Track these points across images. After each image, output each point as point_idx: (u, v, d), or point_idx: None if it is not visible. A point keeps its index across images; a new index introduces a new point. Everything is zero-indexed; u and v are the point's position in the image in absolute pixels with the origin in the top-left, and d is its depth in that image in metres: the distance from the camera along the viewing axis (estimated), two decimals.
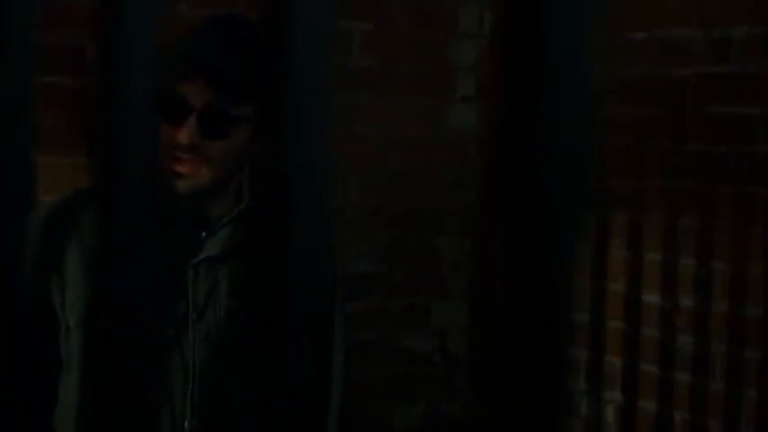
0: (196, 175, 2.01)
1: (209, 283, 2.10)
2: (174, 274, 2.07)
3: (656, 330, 3.72)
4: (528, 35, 0.49)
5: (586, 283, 3.90)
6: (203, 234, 2.10)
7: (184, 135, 1.97)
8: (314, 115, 0.54)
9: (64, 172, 3.26)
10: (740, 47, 3.48)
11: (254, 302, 0.56)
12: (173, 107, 1.98)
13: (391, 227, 4.13)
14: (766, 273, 3.37)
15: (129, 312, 0.69)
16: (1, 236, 0.62)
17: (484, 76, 4.25)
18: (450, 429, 4.27)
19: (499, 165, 0.52)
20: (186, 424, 2.07)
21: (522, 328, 0.62)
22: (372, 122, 4.05)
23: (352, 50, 4.01)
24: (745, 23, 3.46)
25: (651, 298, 3.74)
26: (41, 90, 3.39)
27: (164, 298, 2.03)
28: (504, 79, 0.51)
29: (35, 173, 0.68)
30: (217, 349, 2.10)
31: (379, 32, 4.06)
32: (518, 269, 0.60)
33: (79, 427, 2.01)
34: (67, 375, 2.06)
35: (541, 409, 0.63)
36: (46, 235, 2.05)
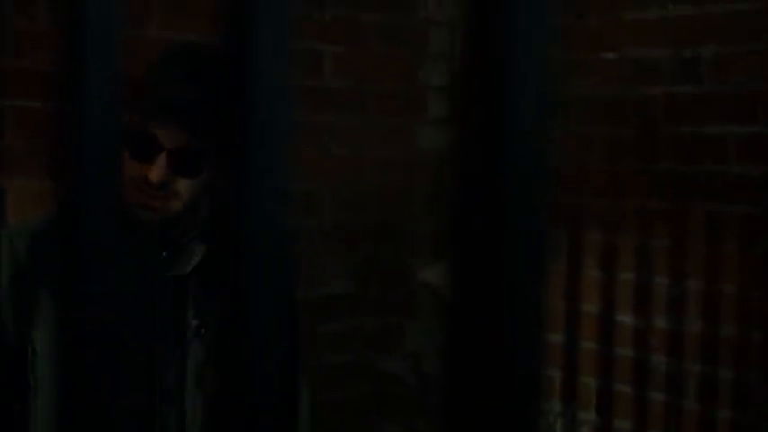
0: (165, 209, 2.00)
1: (173, 303, 2.09)
2: (136, 294, 2.06)
3: (630, 350, 3.72)
4: (486, 51, 0.49)
5: (560, 303, 3.90)
6: (164, 254, 2.09)
7: (155, 174, 1.96)
8: (276, 138, 0.53)
9: (34, 196, 3.25)
10: (710, 66, 3.50)
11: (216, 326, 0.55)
12: (143, 146, 1.97)
13: (364, 247, 4.13)
14: (739, 292, 3.38)
15: (95, 331, 0.68)
16: None
17: (455, 96, 4.26)
18: None
19: (462, 181, 0.52)
20: None
21: (491, 349, 0.61)
22: (345, 143, 4.05)
23: (324, 72, 4.01)
24: (715, 42, 3.48)
25: (625, 318, 3.74)
26: (12, 114, 3.37)
27: (129, 317, 2.02)
28: (466, 94, 0.51)
29: (5, 196, 0.67)
30: (182, 369, 2.09)
31: (350, 54, 4.06)
32: (484, 286, 0.59)
33: None
34: (36, 399, 2.04)
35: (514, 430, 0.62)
36: (32, 258, 2.03)
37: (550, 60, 0.47)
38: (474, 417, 0.62)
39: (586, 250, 3.86)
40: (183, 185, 2.00)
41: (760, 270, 3.33)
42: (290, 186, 0.54)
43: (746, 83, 3.40)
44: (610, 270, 3.79)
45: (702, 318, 3.50)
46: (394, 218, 4.18)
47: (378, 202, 4.14)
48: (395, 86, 4.17)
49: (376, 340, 4.18)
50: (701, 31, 3.53)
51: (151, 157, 1.97)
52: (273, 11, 0.54)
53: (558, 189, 3.68)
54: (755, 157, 3.36)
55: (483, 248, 0.54)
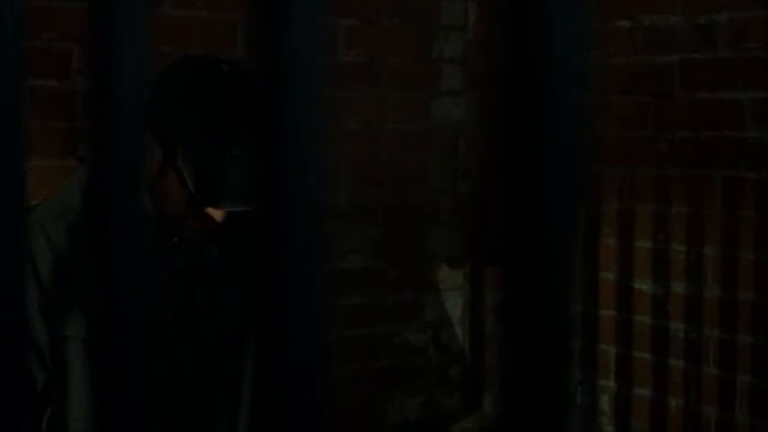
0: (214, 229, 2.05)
1: (185, 289, 2.11)
2: (150, 279, 2.06)
3: (648, 317, 3.73)
4: (523, 23, 0.49)
5: (578, 272, 3.90)
6: (174, 239, 2.10)
7: (220, 216, 2.00)
8: (309, 116, 0.54)
9: (48, 175, 3.26)
10: (725, 32, 3.49)
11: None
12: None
13: (382, 221, 4.13)
14: (757, 257, 3.38)
15: (122, 313, 0.69)
16: None
17: (469, 68, 4.25)
18: (446, 422, 4.27)
19: (497, 155, 0.52)
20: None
21: (523, 320, 0.62)
22: (359, 117, 4.05)
23: (337, 46, 4.00)
24: (730, 8, 3.47)
25: (643, 285, 3.75)
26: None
27: (149, 299, 2.03)
28: (501, 68, 0.51)
29: (27, 177, 0.68)
30: (194, 354, 2.11)
31: (363, 28, 4.06)
32: (519, 258, 0.59)
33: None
34: (60, 386, 2.05)
35: (545, 400, 0.63)
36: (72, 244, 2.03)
37: (588, 37, 0.48)
38: (508, 387, 0.63)
39: (604, 219, 3.86)
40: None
41: None
42: (323, 164, 0.55)
43: (762, 48, 3.39)
44: (627, 238, 3.80)
45: (720, 284, 3.50)
46: (409, 190, 4.18)
47: (393, 175, 4.14)
48: (408, 59, 4.16)
49: (395, 313, 4.19)
50: None
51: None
52: None
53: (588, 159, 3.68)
54: None
55: (519, 224, 0.54)
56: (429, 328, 4.27)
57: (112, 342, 0.69)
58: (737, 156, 3.44)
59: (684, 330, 3.61)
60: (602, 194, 3.85)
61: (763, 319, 3.37)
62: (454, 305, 4.30)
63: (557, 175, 0.52)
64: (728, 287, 3.47)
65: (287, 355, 0.55)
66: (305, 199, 0.56)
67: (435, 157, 4.22)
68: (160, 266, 2.08)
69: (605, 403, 3.90)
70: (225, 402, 2.15)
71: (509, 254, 0.55)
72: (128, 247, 0.69)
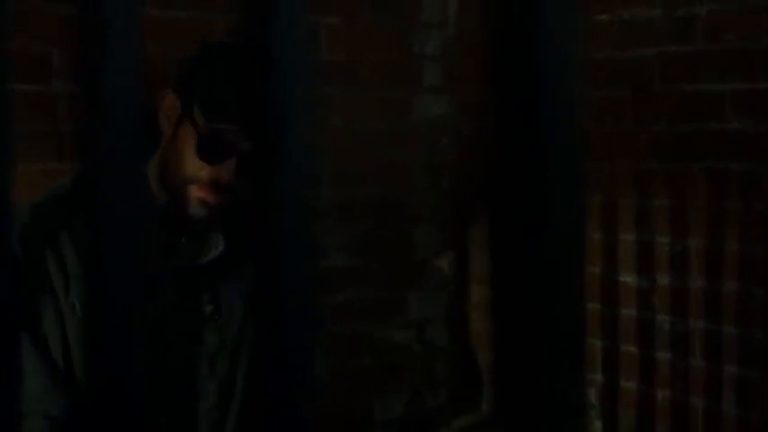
0: (219, 204, 2.03)
1: (189, 288, 2.11)
2: (154, 276, 2.06)
3: (634, 310, 3.73)
4: (517, 16, 0.49)
5: None
6: (182, 239, 2.10)
7: (226, 176, 1.99)
8: (298, 115, 0.53)
9: (30, 178, 3.25)
10: (704, 24, 3.49)
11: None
12: (216, 149, 1.99)
13: (364, 218, 4.13)
14: (741, 248, 3.39)
15: (117, 311, 0.68)
16: None
17: (450, 65, 4.25)
18: (432, 419, 4.27)
19: (492, 150, 0.52)
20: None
21: (534, 319, 0.61)
22: (340, 115, 4.05)
23: (318, 44, 4.00)
24: (708, 1, 3.48)
25: (628, 278, 3.75)
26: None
27: (148, 301, 2.02)
28: (492, 64, 0.51)
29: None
30: (196, 354, 2.12)
31: (343, 25, 4.05)
32: (522, 259, 0.59)
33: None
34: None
35: (554, 401, 0.62)
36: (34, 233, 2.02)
37: (579, 29, 0.48)
38: (515, 385, 0.62)
39: (587, 213, 3.87)
40: (242, 184, 2.02)
41: (761, 225, 3.34)
42: (313, 165, 0.54)
43: (740, 40, 3.39)
44: (611, 231, 3.80)
45: (705, 275, 3.51)
46: (392, 187, 4.18)
47: (375, 173, 4.14)
48: (389, 57, 4.16)
49: (379, 311, 4.19)
50: None
51: (222, 159, 1.99)
52: None
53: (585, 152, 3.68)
54: (752, 114, 3.36)
55: (522, 221, 0.54)
56: (413, 326, 4.26)
57: (102, 338, 0.68)
58: (719, 147, 3.45)
59: (670, 322, 3.62)
60: (586, 188, 3.85)
61: (749, 310, 3.38)
62: (439, 301, 4.30)
63: (556, 169, 0.51)
64: (713, 278, 3.48)
65: (278, 351, 0.55)
66: (292, 196, 0.55)
67: (417, 153, 4.22)
68: (164, 264, 2.08)
69: (592, 396, 3.91)
70: (215, 400, 2.15)
71: (507, 249, 0.55)
72: (122, 247, 0.69)
